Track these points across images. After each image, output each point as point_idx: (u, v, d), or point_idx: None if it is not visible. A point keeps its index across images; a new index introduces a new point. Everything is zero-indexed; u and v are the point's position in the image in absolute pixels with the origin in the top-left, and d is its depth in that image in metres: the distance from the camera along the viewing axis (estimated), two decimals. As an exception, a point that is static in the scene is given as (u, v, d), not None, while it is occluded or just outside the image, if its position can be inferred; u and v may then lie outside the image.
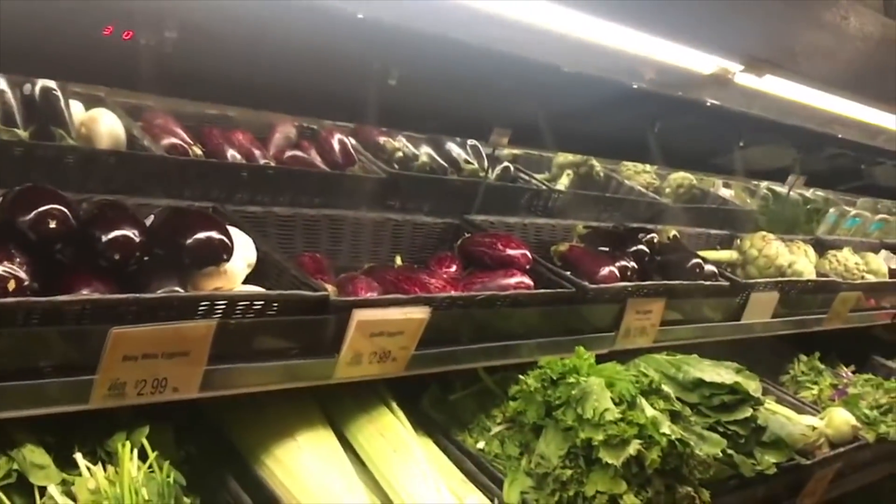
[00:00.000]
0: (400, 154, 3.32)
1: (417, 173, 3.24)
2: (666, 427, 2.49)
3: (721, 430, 2.85)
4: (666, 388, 2.87)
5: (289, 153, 3.01)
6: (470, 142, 3.69)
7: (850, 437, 3.41)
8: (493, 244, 2.80)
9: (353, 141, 3.32)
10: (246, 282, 2.24)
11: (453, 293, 2.40)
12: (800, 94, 2.91)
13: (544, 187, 3.72)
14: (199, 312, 1.93)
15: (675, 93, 3.08)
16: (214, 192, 2.66)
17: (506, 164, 3.77)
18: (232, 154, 2.82)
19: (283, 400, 2.25)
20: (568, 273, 2.86)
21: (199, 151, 2.72)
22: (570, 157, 4.17)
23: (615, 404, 2.48)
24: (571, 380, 2.47)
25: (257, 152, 2.92)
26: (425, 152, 3.51)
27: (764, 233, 3.71)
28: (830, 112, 3.13)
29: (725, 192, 5.26)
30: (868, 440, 3.49)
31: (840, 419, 3.40)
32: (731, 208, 4.68)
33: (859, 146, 3.93)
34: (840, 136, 3.48)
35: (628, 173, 4.54)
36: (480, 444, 2.59)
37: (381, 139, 3.33)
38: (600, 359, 2.84)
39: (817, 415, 3.51)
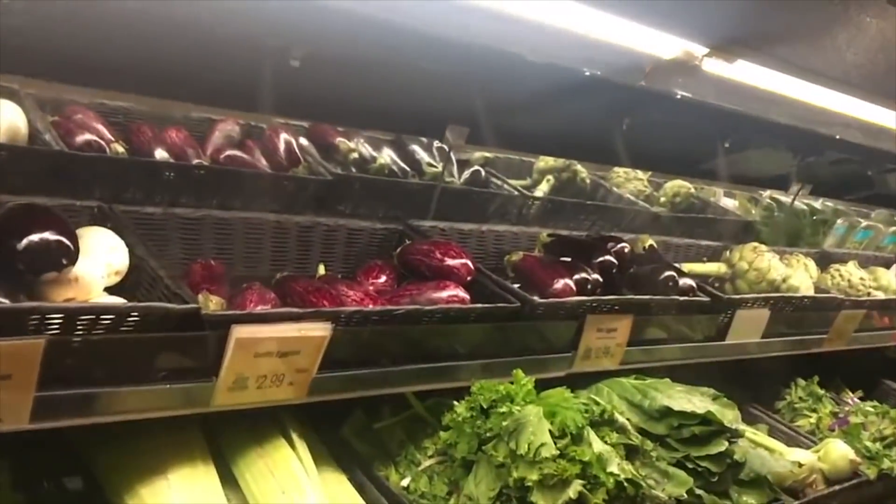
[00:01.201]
0: (355, 155, 2.98)
1: (363, 175, 2.89)
2: (615, 465, 2.10)
3: (690, 466, 2.44)
4: (627, 417, 2.49)
5: (227, 153, 2.68)
6: (436, 144, 3.35)
7: (849, 472, 2.98)
8: (431, 253, 2.43)
9: (306, 141, 3.00)
10: (116, 292, 1.91)
11: (362, 308, 2.04)
12: (785, 86, 2.51)
13: (515, 193, 3.35)
14: (30, 327, 1.59)
15: (647, 85, 2.72)
16: (129, 192, 2.34)
17: (476, 167, 3.41)
18: (160, 153, 2.52)
19: (163, 429, 1.90)
20: (516, 286, 2.49)
21: (120, 149, 2.41)
22: (550, 161, 3.79)
23: (557, 438, 2.10)
24: (503, 409, 2.09)
25: (191, 151, 2.61)
26: (387, 154, 3.17)
27: (755, 244, 3.30)
28: (828, 110, 2.73)
29: (728, 203, 4.84)
30: (869, 477, 3.05)
31: (837, 453, 2.97)
32: (728, 218, 4.26)
33: (865, 150, 3.51)
34: (838, 136, 3.08)
35: (618, 180, 4.15)
36: (405, 481, 2.22)
37: (337, 139, 3.00)
38: (558, 382, 2.47)
39: (813, 447, 3.08)
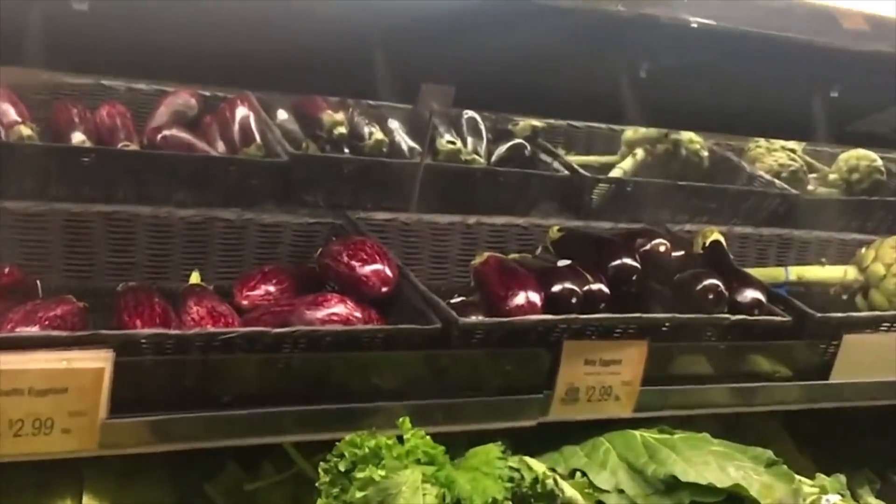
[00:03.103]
0: (341, 130, 2.74)
1: (327, 154, 2.65)
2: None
3: (702, 564, 1.93)
4: (623, 487, 2.03)
5: (166, 132, 2.57)
6: (467, 113, 3.01)
7: None
8: (338, 256, 2.11)
9: (286, 115, 2.79)
10: None
11: (164, 331, 1.76)
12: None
13: (561, 173, 2.91)
14: None
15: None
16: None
17: (517, 141, 3.02)
18: (77, 136, 2.45)
19: None
20: (454, 301, 2.11)
21: (27, 132, 2.35)
22: (642, 130, 3.30)
23: (446, 517, 1.70)
24: (362, 474, 1.72)
25: (121, 133, 2.53)
26: (394, 128, 2.88)
27: (900, 238, 2.64)
28: None
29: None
30: None
31: None
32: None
33: None
34: None
35: (756, 153, 3.55)
36: (270, 561, 1.91)
37: (324, 112, 2.77)
38: (537, 434, 2.09)
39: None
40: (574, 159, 3.16)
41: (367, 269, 2.05)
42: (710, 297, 2.21)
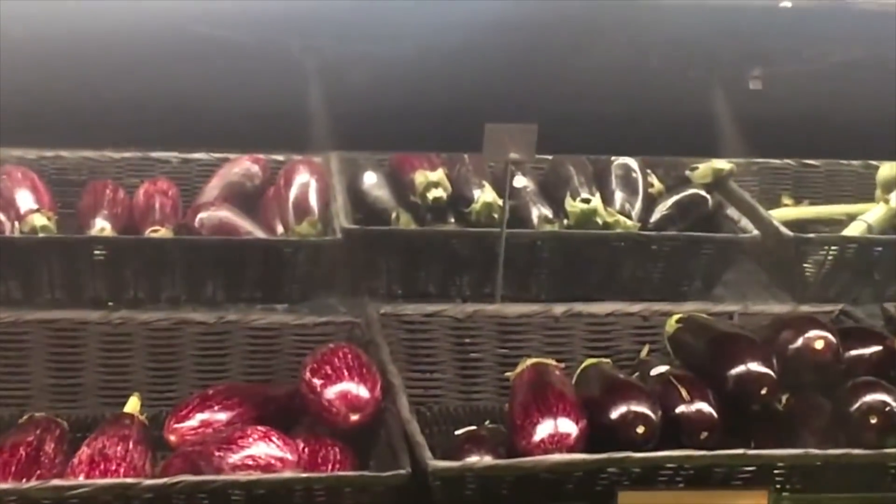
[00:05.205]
0: (437, 193, 2.55)
1: (371, 228, 2.45)
2: None
3: None
4: None
5: (203, 213, 2.52)
6: (617, 160, 2.65)
7: None
8: (304, 371, 1.81)
9: (374, 178, 2.64)
10: None
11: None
12: None
13: (749, 235, 2.45)
14: None
15: None
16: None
17: (689, 192, 2.62)
18: (100, 223, 2.48)
19: None
20: (461, 432, 1.75)
21: (41, 222, 2.39)
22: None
23: None
24: None
25: (156, 215, 2.52)
26: (520, 187, 2.60)
27: None
28: None
29: None
30: None
31: None
32: None
33: None
34: None
35: None
36: None
37: (416, 171, 2.59)
38: None
39: None
40: (795, 212, 2.74)
41: (332, 390, 1.73)
42: (873, 420, 1.64)
